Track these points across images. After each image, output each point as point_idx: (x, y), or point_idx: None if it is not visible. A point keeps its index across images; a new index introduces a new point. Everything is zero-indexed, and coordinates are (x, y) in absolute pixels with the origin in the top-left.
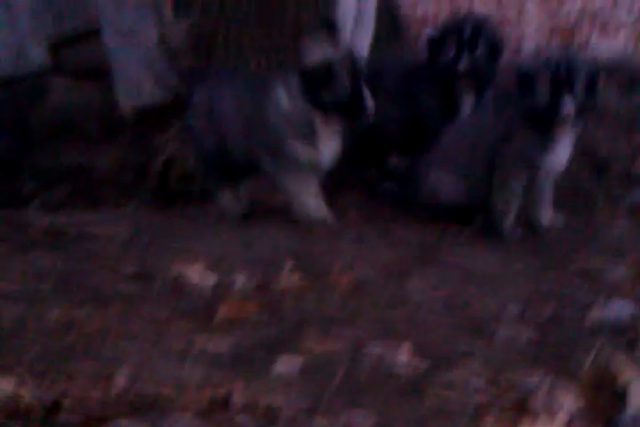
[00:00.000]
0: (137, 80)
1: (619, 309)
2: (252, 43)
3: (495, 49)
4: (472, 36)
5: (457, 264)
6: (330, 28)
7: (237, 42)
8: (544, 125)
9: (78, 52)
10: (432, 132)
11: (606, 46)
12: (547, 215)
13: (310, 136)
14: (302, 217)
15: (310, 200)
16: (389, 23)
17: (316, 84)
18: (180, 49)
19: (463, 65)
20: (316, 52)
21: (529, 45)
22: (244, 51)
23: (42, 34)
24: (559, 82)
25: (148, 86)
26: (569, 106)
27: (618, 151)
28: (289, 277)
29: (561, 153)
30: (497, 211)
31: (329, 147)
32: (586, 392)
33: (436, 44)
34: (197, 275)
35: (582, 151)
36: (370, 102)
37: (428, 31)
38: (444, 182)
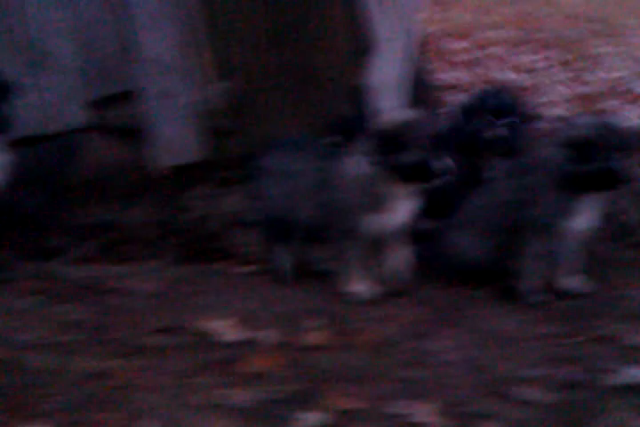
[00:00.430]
0: (174, 139)
1: (637, 374)
2: (290, 107)
3: (522, 117)
4: (498, 106)
5: (479, 326)
6: (362, 96)
7: (276, 105)
8: (605, 187)
9: (117, 111)
10: (458, 196)
11: (632, 114)
12: (571, 281)
13: (379, 207)
14: (344, 290)
15: (358, 277)
16: (420, 89)
17: (393, 147)
18: (220, 110)
19: (487, 133)
20: (388, 117)
21: (557, 112)
22: (283, 114)
23: (83, 93)
24: (615, 147)
25: (185, 146)
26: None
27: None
28: (314, 335)
29: (585, 219)
30: (518, 275)
31: (401, 214)
32: None
33: (466, 112)
34: (224, 330)
35: (609, 220)
36: (449, 163)
37: (460, 100)
38: (467, 244)
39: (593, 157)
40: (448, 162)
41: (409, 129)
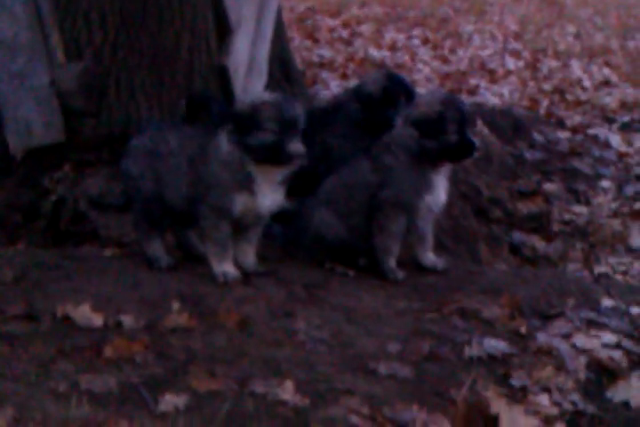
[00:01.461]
0: (27, 121)
1: (492, 346)
2: (143, 88)
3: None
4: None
5: (341, 304)
6: (224, 75)
7: (129, 86)
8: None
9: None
10: (320, 176)
11: (494, 93)
12: (429, 257)
13: (248, 187)
14: (216, 273)
15: (228, 261)
16: (283, 68)
17: (247, 128)
18: (71, 91)
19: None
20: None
21: (420, 90)
22: (136, 95)
23: None
24: (464, 123)
25: (38, 127)
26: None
27: (499, 195)
28: (178, 317)
29: (439, 194)
30: (379, 252)
31: (270, 196)
32: (459, 424)
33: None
34: (86, 314)
35: (465, 195)
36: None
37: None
38: (327, 223)
39: (443, 132)
40: (300, 145)
41: (263, 110)
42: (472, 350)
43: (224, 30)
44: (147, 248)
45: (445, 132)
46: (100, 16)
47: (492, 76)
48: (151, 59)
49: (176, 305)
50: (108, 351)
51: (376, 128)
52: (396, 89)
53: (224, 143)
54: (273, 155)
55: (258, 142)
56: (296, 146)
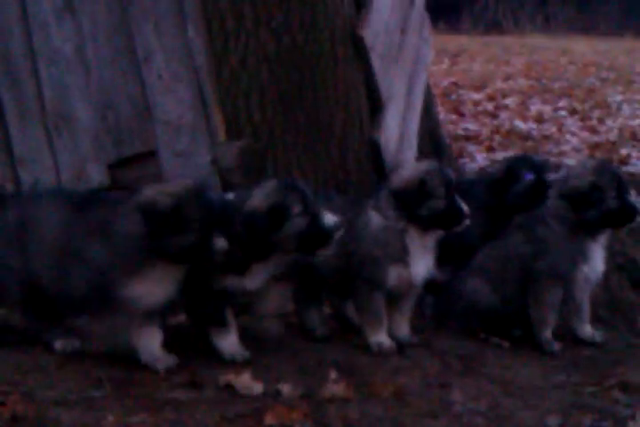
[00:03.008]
0: None
1: None
2: (299, 164)
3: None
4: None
5: (497, 376)
6: (375, 150)
7: (286, 162)
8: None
9: (134, 172)
10: (473, 248)
11: None
12: (586, 329)
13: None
14: (371, 344)
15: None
16: (432, 141)
17: (412, 199)
18: (231, 169)
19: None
20: (406, 171)
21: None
22: (292, 171)
23: (102, 155)
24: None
25: None
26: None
27: None
28: (333, 387)
29: (595, 265)
30: (535, 323)
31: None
32: None
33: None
34: (245, 384)
35: (621, 266)
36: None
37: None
38: (480, 292)
39: (600, 200)
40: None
41: (430, 178)
42: (636, 425)
43: (375, 106)
44: (304, 318)
45: (604, 200)
46: (259, 96)
47: None
48: (306, 136)
49: (333, 374)
50: (269, 419)
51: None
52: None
53: (376, 219)
54: (445, 219)
55: (431, 211)
56: (464, 206)
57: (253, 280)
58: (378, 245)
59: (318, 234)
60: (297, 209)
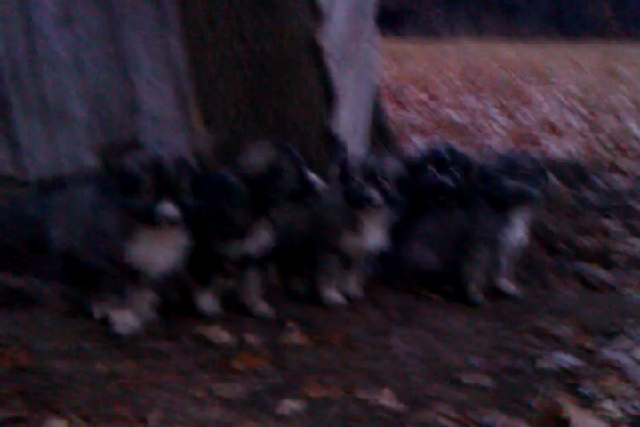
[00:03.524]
0: None
1: (562, 359)
2: None
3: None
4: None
5: (429, 324)
6: (332, 139)
7: None
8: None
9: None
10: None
11: (560, 147)
12: (507, 284)
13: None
14: (324, 298)
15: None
16: (380, 131)
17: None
18: (207, 156)
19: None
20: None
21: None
22: None
23: (94, 144)
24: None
25: None
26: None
27: (565, 232)
28: (290, 335)
29: (516, 233)
30: (465, 279)
31: (375, 234)
32: (535, 426)
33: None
34: (215, 334)
35: (536, 232)
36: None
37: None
38: (423, 256)
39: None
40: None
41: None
42: (544, 363)
43: (332, 103)
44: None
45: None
46: (233, 96)
47: (558, 133)
48: (274, 129)
49: (290, 325)
50: (236, 363)
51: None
52: None
53: (336, 195)
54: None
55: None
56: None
57: (252, 245)
58: (338, 216)
59: (305, 186)
60: (288, 167)
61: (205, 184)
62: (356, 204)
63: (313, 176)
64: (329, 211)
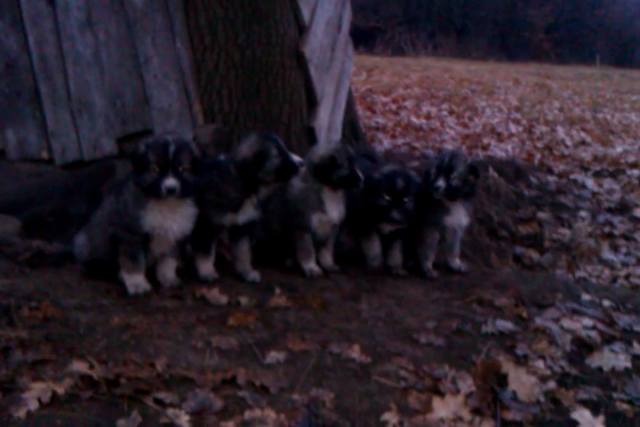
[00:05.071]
0: None
1: (502, 325)
2: None
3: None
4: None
5: (393, 293)
6: (311, 134)
7: None
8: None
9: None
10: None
11: (501, 149)
12: (455, 261)
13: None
14: (305, 270)
15: (313, 261)
16: (352, 130)
17: (326, 169)
18: (207, 144)
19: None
20: (321, 149)
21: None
22: None
23: (112, 132)
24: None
25: None
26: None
27: (505, 220)
28: (277, 299)
29: (457, 219)
30: (420, 258)
31: (337, 211)
32: (478, 379)
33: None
34: (215, 296)
35: (481, 220)
36: (361, 176)
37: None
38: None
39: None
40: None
41: (338, 156)
42: (487, 328)
43: (312, 102)
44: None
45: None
46: (228, 93)
47: (500, 137)
48: (262, 123)
49: (277, 290)
50: (231, 321)
51: None
52: None
53: (299, 184)
54: (349, 182)
55: (338, 177)
56: (360, 174)
57: (243, 216)
58: (302, 201)
59: (289, 167)
60: (274, 152)
61: (204, 166)
62: (352, 185)
63: (296, 157)
64: (296, 196)
